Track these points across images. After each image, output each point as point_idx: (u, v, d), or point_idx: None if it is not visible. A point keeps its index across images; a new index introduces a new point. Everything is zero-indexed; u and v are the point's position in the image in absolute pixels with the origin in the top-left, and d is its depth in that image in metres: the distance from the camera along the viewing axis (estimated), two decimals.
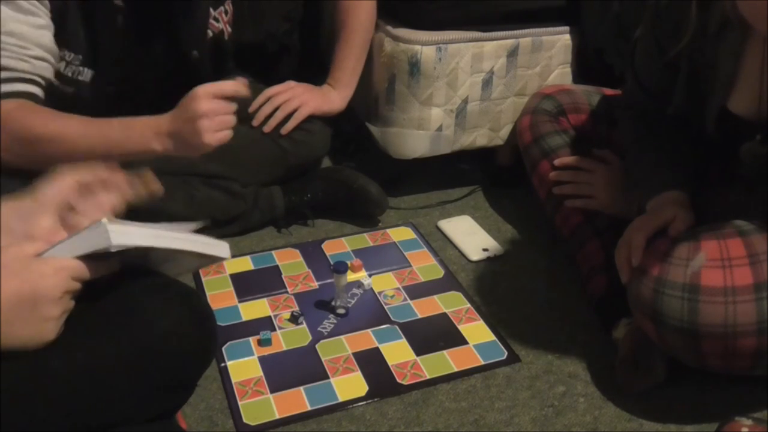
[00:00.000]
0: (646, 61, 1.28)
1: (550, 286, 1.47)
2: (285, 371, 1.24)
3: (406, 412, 1.18)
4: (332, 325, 1.34)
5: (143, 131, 1.27)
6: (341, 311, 1.37)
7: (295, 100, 1.61)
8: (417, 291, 1.44)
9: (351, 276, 1.43)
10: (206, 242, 0.94)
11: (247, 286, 1.44)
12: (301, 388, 1.21)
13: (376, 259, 1.53)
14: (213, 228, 1.55)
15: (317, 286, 1.45)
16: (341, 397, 1.19)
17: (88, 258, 0.83)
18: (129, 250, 0.83)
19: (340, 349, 1.29)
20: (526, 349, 1.31)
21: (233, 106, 1.29)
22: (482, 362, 1.27)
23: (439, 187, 1.80)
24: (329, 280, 1.42)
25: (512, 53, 1.64)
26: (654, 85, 1.28)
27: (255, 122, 1.59)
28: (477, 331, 1.34)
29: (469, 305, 1.40)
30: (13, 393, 0.80)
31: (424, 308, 1.39)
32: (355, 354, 1.28)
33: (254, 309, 1.38)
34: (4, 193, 0.88)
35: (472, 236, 1.61)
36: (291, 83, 1.64)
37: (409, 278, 1.48)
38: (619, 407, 1.19)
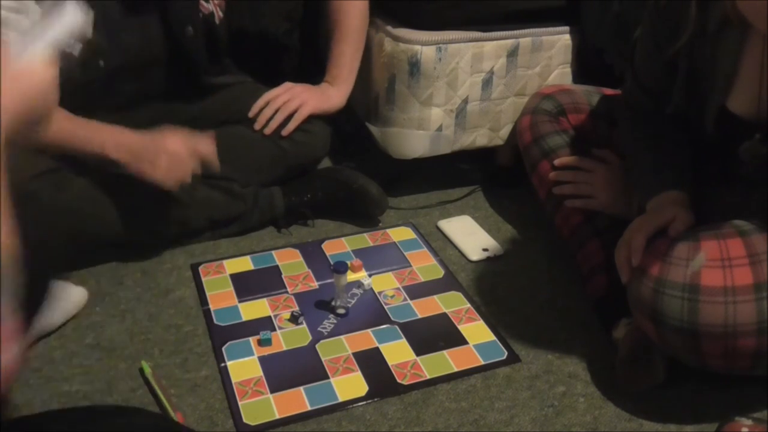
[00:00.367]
0: (646, 61, 1.28)
1: (550, 286, 1.47)
2: (285, 371, 1.24)
3: (406, 412, 1.18)
4: (332, 325, 1.34)
5: (107, 136, 1.34)
6: (341, 311, 1.37)
7: (295, 100, 1.61)
8: (417, 291, 1.44)
9: (351, 276, 1.43)
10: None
11: (247, 286, 1.44)
12: (301, 388, 1.21)
13: (376, 259, 1.52)
14: (213, 228, 1.56)
15: (317, 286, 1.45)
16: (341, 397, 1.19)
17: None
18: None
19: (340, 349, 1.29)
20: (526, 349, 1.31)
21: (196, 167, 1.38)
22: (482, 362, 1.27)
23: (439, 187, 1.80)
24: (329, 280, 1.42)
25: (512, 53, 1.64)
26: (653, 85, 1.28)
27: (256, 126, 1.59)
28: (477, 331, 1.34)
29: (469, 305, 1.40)
30: None
31: (424, 308, 1.39)
32: (355, 354, 1.28)
33: (254, 309, 1.38)
34: None
35: (472, 236, 1.61)
36: (289, 84, 1.65)
37: (409, 278, 1.48)
38: (619, 407, 1.19)
